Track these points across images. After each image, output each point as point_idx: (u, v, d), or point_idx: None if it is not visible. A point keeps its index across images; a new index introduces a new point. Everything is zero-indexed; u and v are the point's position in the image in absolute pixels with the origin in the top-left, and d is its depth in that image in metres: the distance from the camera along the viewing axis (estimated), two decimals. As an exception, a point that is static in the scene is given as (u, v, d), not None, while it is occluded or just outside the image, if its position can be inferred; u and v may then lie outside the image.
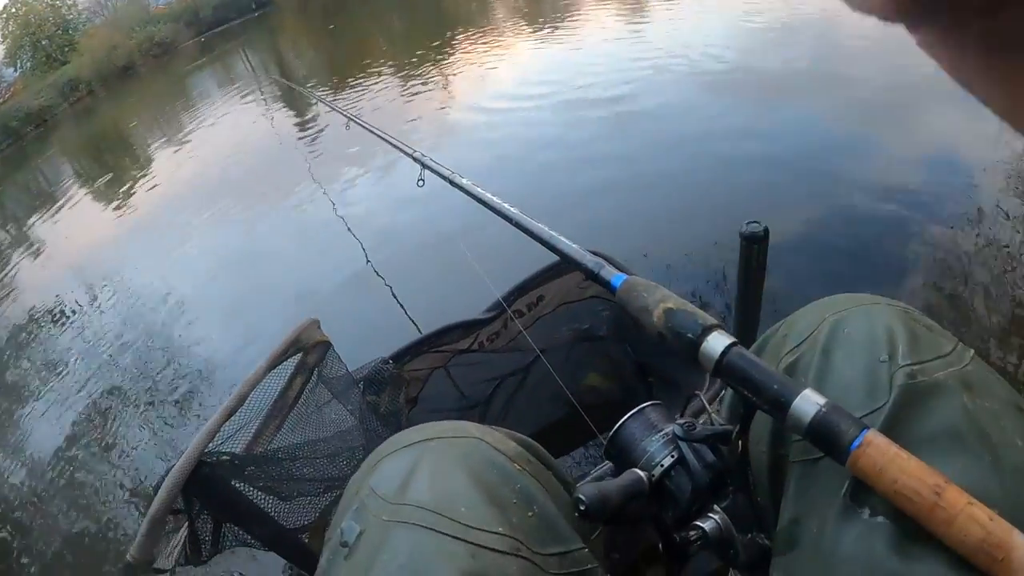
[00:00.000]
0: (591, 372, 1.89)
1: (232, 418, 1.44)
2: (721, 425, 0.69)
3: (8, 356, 6.09)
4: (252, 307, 4.85)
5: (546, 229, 0.99)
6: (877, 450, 0.52)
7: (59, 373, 5.25)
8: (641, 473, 0.70)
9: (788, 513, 0.63)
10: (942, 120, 5.53)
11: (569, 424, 1.86)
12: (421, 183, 1.70)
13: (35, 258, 9.32)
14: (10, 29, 35.82)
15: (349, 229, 5.16)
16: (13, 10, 35.86)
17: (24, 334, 6.41)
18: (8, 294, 7.90)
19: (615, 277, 0.79)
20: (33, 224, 11.40)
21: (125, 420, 4.25)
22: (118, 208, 9.86)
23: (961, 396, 0.59)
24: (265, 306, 4.76)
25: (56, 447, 4.24)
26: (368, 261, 4.58)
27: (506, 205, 1.14)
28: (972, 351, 0.64)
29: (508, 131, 6.64)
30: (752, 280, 1.48)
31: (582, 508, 0.66)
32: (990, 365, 0.64)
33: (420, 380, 1.70)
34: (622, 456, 0.76)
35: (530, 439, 0.76)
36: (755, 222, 1.51)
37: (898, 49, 7.20)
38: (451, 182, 1.44)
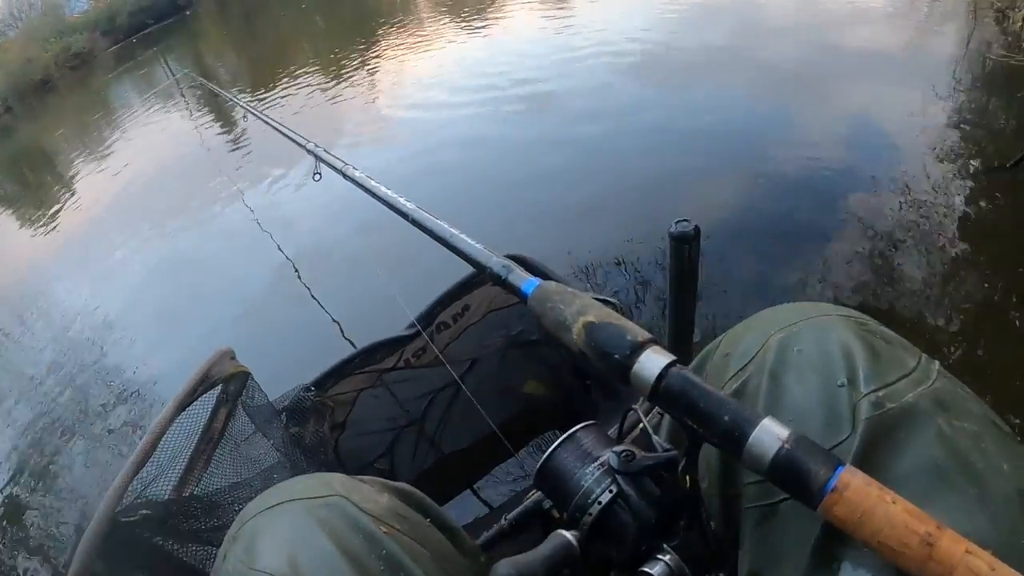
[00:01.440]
0: (528, 379, 1.84)
1: (149, 462, 1.36)
2: (664, 451, 0.60)
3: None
4: (179, 324, 4.72)
5: (446, 227, 0.89)
6: (856, 492, 0.44)
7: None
8: (568, 535, 0.64)
9: (747, 566, 0.56)
10: (860, 93, 5.67)
11: (507, 434, 1.82)
12: (317, 176, 1.64)
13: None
14: (-83, 48, 34.24)
15: (273, 240, 5.06)
16: (-81, 27, 34.34)
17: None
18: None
19: (526, 283, 0.70)
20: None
21: (54, 446, 4.12)
22: (39, 227, 9.56)
23: (936, 421, 0.52)
24: (191, 323, 4.64)
25: None
26: (297, 275, 4.48)
27: (401, 200, 1.04)
28: (937, 363, 0.58)
29: (429, 128, 6.61)
30: (685, 285, 1.37)
31: None
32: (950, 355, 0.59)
33: (347, 404, 1.63)
34: (554, 490, 0.68)
35: (409, 488, 0.69)
36: (685, 220, 1.41)
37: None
38: (343, 174, 1.36)
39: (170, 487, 1.39)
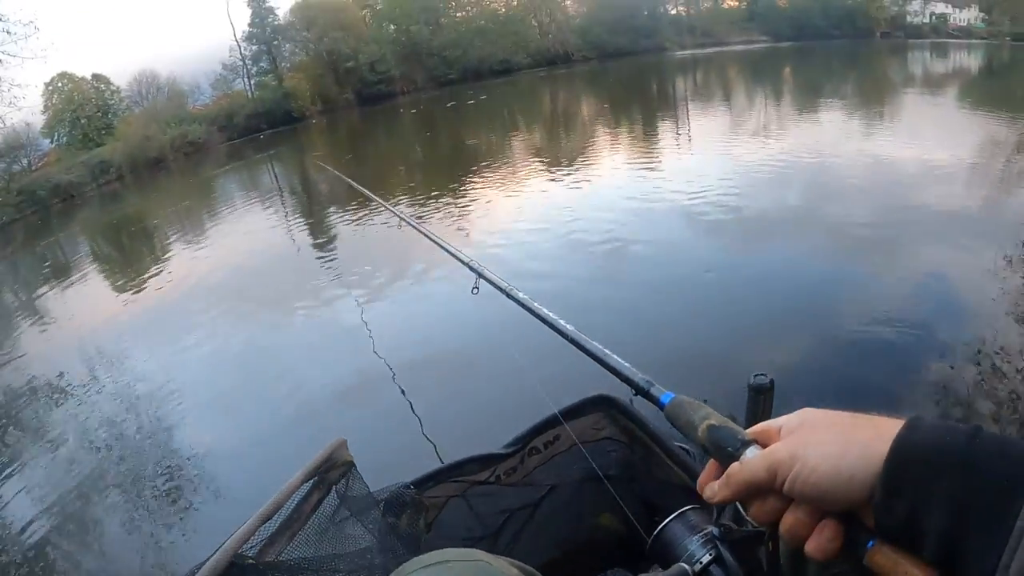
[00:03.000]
0: (602, 512, 1.94)
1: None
2: (754, 528, 0.74)
3: (2, 424, 6.07)
4: (274, 416, 4.89)
5: (600, 346, 1.05)
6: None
7: (50, 448, 5.24)
8: (687, 567, 0.78)
9: None
10: (933, 255, 5.79)
11: (574, 561, 1.92)
12: (475, 291, 1.79)
13: (42, 329, 9.40)
14: (53, 102, 37.29)
15: (371, 340, 5.29)
16: (60, 84, 37.43)
17: (21, 403, 6.41)
18: (9, 361, 7.93)
19: (664, 395, 0.85)
20: (44, 294, 11.60)
21: (106, 507, 4.23)
22: (131, 294, 10.00)
23: None
24: (290, 416, 4.80)
25: (28, 524, 4.19)
26: (395, 381, 4.67)
27: (561, 321, 1.20)
28: None
29: (517, 265, 6.83)
30: None
31: None
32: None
33: (437, 507, 1.77)
34: (664, 553, 0.84)
35: (532, 568, 0.84)
36: (762, 374, 1.61)
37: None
38: (507, 294, 1.51)
39: (255, 551, 1.53)
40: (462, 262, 1.86)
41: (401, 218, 2.57)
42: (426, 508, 1.71)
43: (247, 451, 4.45)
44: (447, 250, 1.98)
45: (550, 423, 1.86)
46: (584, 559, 1.94)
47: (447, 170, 14.45)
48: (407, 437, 3.93)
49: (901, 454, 0.51)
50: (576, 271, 6.42)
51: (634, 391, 0.93)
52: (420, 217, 9.48)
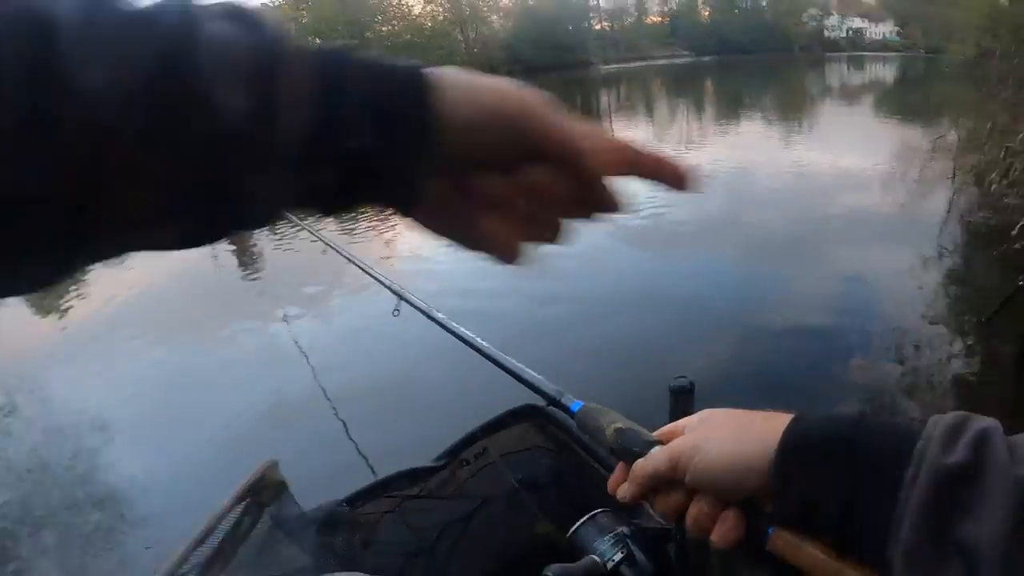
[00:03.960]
0: (538, 521, 1.99)
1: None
2: (663, 526, 0.79)
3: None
4: (202, 437, 4.77)
5: (514, 361, 1.11)
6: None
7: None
8: (597, 559, 0.83)
9: None
10: (850, 258, 6.07)
11: (513, 571, 1.96)
12: (396, 313, 1.80)
13: None
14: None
15: (306, 358, 5.24)
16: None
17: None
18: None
19: (574, 404, 0.88)
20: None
21: (31, 541, 4.06)
22: (48, 317, 9.55)
23: None
24: (217, 436, 4.71)
25: None
26: (326, 396, 4.64)
27: (478, 339, 1.26)
28: None
29: (440, 283, 6.89)
30: None
31: None
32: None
33: (372, 523, 1.79)
34: (578, 558, 0.89)
35: None
36: (682, 377, 1.69)
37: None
38: (427, 315, 1.54)
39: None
40: (383, 284, 1.89)
41: (324, 241, 2.57)
42: (361, 526, 1.73)
43: (178, 475, 4.33)
44: (368, 272, 2.00)
45: (478, 435, 1.90)
46: (522, 569, 1.98)
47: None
48: (339, 455, 3.91)
49: (792, 441, 0.55)
50: (498, 286, 6.46)
51: (546, 401, 0.97)
52: (350, 234, 9.41)
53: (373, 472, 3.39)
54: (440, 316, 1.45)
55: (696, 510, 0.60)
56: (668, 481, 0.63)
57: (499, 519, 1.99)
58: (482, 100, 0.41)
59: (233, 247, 10.82)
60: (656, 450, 0.66)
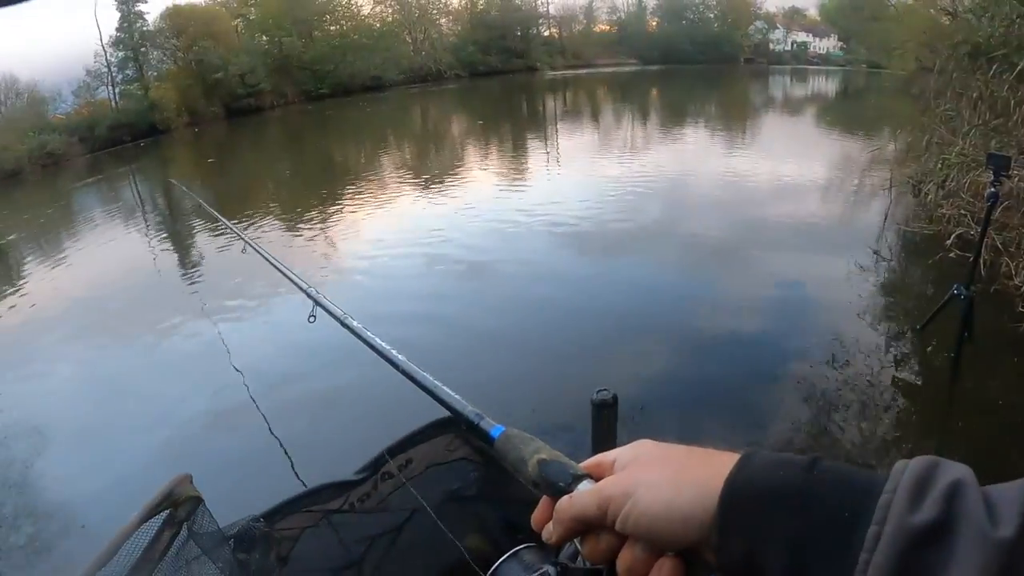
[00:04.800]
0: (468, 533, 1.96)
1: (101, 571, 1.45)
2: (592, 566, 0.75)
3: None
4: (118, 447, 4.63)
5: (431, 378, 1.03)
6: None
7: None
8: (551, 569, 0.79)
9: None
10: (787, 265, 6.20)
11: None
12: (312, 319, 1.76)
13: None
14: None
15: (237, 368, 5.13)
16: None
17: None
18: None
19: (494, 429, 0.82)
20: None
21: None
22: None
23: None
24: (131, 447, 4.56)
25: None
26: (254, 404, 4.54)
27: (394, 352, 1.18)
28: None
29: (381, 284, 6.82)
30: (604, 444, 1.61)
31: None
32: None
33: (291, 539, 1.73)
34: None
35: None
36: (605, 389, 1.68)
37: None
38: (342, 323, 1.48)
39: None
40: (300, 289, 1.84)
41: (246, 240, 2.51)
42: (278, 542, 1.68)
43: (103, 485, 4.18)
44: (286, 275, 1.95)
45: (400, 446, 1.86)
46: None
47: (313, 187, 14.19)
48: (260, 467, 3.83)
49: (735, 492, 0.50)
50: (428, 295, 6.43)
51: (464, 425, 0.91)
52: (283, 235, 9.27)
53: (303, 484, 3.30)
54: (355, 324, 1.38)
55: (630, 556, 0.56)
56: (597, 525, 0.58)
57: (427, 532, 1.95)
58: None
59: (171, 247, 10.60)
60: (583, 487, 0.62)
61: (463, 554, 1.99)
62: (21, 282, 10.82)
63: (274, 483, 3.48)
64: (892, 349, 4.71)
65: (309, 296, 1.76)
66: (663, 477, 0.55)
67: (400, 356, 1.16)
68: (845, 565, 0.43)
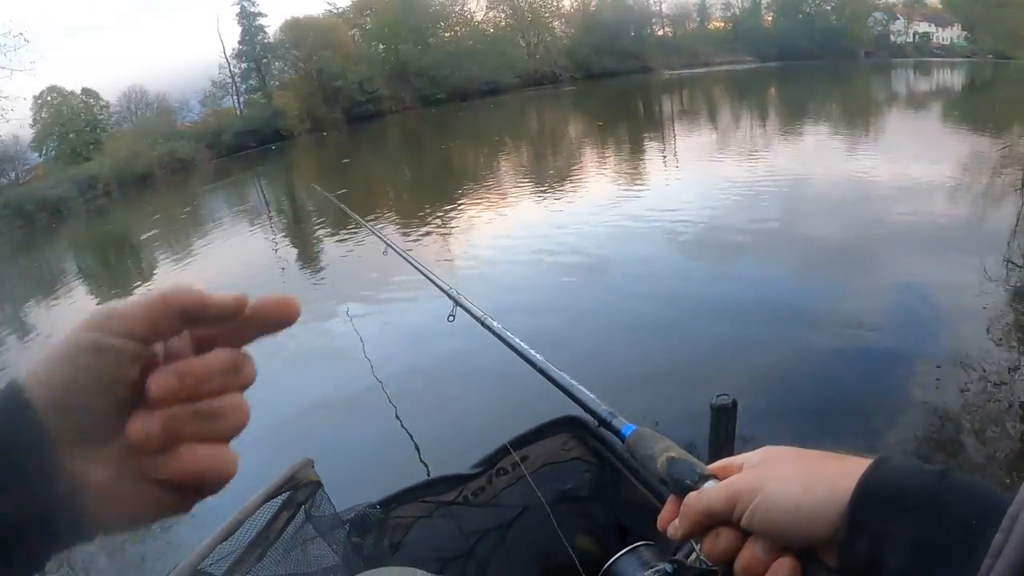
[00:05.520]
0: (577, 533, 1.93)
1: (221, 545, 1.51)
2: (708, 566, 0.73)
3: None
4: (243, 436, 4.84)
5: (567, 377, 1.06)
6: None
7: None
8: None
9: None
10: (910, 271, 5.83)
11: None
12: (451, 318, 1.78)
13: (25, 344, 9.33)
14: (42, 116, 37.15)
15: (367, 358, 5.27)
16: (49, 98, 37.32)
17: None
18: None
19: (626, 427, 0.84)
20: (28, 309, 11.50)
21: None
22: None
23: None
24: (254, 435, 4.77)
25: None
26: (383, 389, 4.66)
27: (532, 351, 1.21)
28: None
29: (498, 284, 6.85)
30: (722, 449, 1.56)
31: None
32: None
33: (404, 527, 1.76)
34: None
35: None
36: (724, 394, 1.63)
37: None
38: (482, 323, 1.50)
39: (224, 569, 1.53)
40: (441, 289, 1.86)
41: (387, 243, 2.57)
42: (392, 528, 1.70)
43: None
44: (428, 277, 1.98)
45: (517, 443, 1.86)
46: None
47: (434, 190, 14.49)
48: (380, 456, 3.92)
49: (868, 491, 0.50)
50: (550, 296, 6.43)
51: (597, 422, 0.93)
52: (407, 237, 9.50)
53: (427, 471, 3.38)
54: (495, 325, 1.40)
55: (749, 555, 0.55)
56: (722, 521, 0.57)
57: (538, 530, 1.94)
58: None
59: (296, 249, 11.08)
60: (710, 485, 0.61)
61: (571, 553, 1.97)
62: (152, 276, 11.57)
63: (392, 473, 3.56)
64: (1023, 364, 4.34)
65: (450, 297, 1.78)
66: (795, 473, 0.55)
67: (538, 356, 1.18)
68: (966, 570, 0.43)
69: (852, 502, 0.50)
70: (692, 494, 0.61)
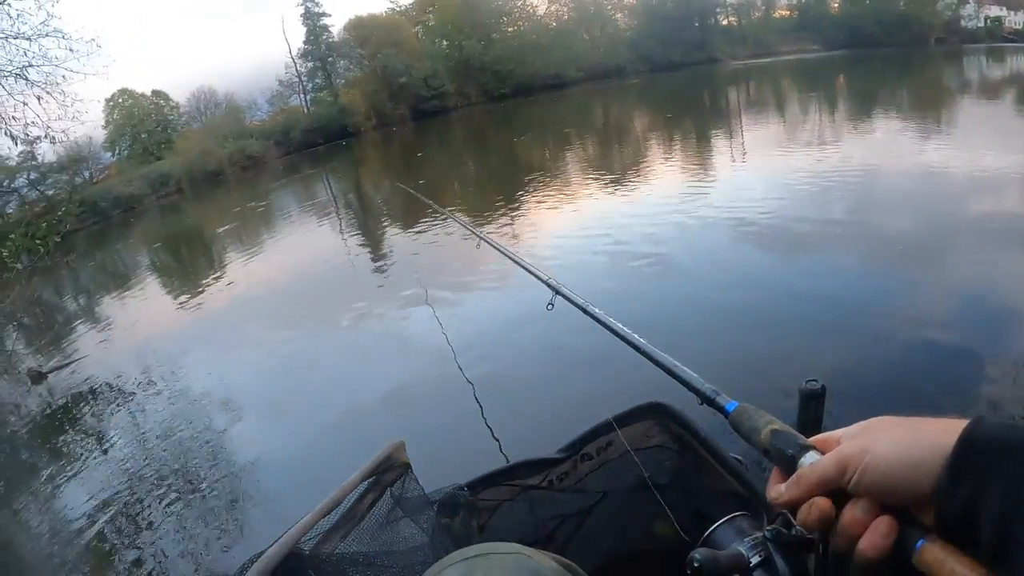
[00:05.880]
0: (655, 520, 1.95)
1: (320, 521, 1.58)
2: (804, 535, 0.76)
3: (62, 423, 6.36)
4: (332, 420, 5.00)
5: (670, 358, 1.10)
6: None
7: (106, 450, 5.45)
8: (744, 552, 0.80)
9: None
10: (987, 264, 5.61)
11: (626, 569, 1.93)
12: (550, 307, 1.84)
13: (103, 336, 9.76)
14: (114, 117, 38.76)
15: (449, 344, 5.40)
16: (121, 100, 38.86)
17: (82, 405, 6.67)
18: (70, 364, 8.27)
19: (729, 404, 0.89)
20: (104, 301, 12.03)
21: (163, 508, 4.33)
22: (189, 302, 10.30)
23: None
24: (346, 420, 4.91)
25: (87, 524, 4.35)
26: (466, 378, 4.79)
27: (635, 335, 1.24)
28: None
29: (593, 281, 6.86)
30: (808, 434, 1.56)
31: (695, 566, 0.75)
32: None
33: (490, 510, 1.80)
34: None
35: (571, 563, 0.87)
36: (813, 380, 1.63)
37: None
38: (584, 310, 1.54)
39: (311, 544, 1.59)
40: (540, 279, 1.90)
41: (480, 236, 2.61)
42: (479, 510, 1.75)
43: (310, 453, 4.54)
44: (526, 268, 2.02)
45: (602, 429, 1.88)
46: (635, 567, 1.95)
47: (503, 184, 14.55)
48: (466, 440, 3.99)
49: (968, 443, 0.53)
50: (628, 285, 6.43)
51: (700, 400, 0.97)
52: (485, 228, 9.60)
53: (506, 458, 3.43)
54: (597, 311, 1.44)
55: (849, 516, 0.60)
56: (832, 486, 0.62)
57: (617, 515, 1.97)
58: None
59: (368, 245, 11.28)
60: (811, 458, 0.66)
61: (652, 538, 1.98)
62: (224, 269, 11.92)
63: (481, 456, 3.63)
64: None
65: (549, 286, 1.82)
66: (899, 433, 0.59)
67: (641, 339, 1.22)
68: None
69: (954, 453, 0.53)
70: (806, 467, 0.65)
